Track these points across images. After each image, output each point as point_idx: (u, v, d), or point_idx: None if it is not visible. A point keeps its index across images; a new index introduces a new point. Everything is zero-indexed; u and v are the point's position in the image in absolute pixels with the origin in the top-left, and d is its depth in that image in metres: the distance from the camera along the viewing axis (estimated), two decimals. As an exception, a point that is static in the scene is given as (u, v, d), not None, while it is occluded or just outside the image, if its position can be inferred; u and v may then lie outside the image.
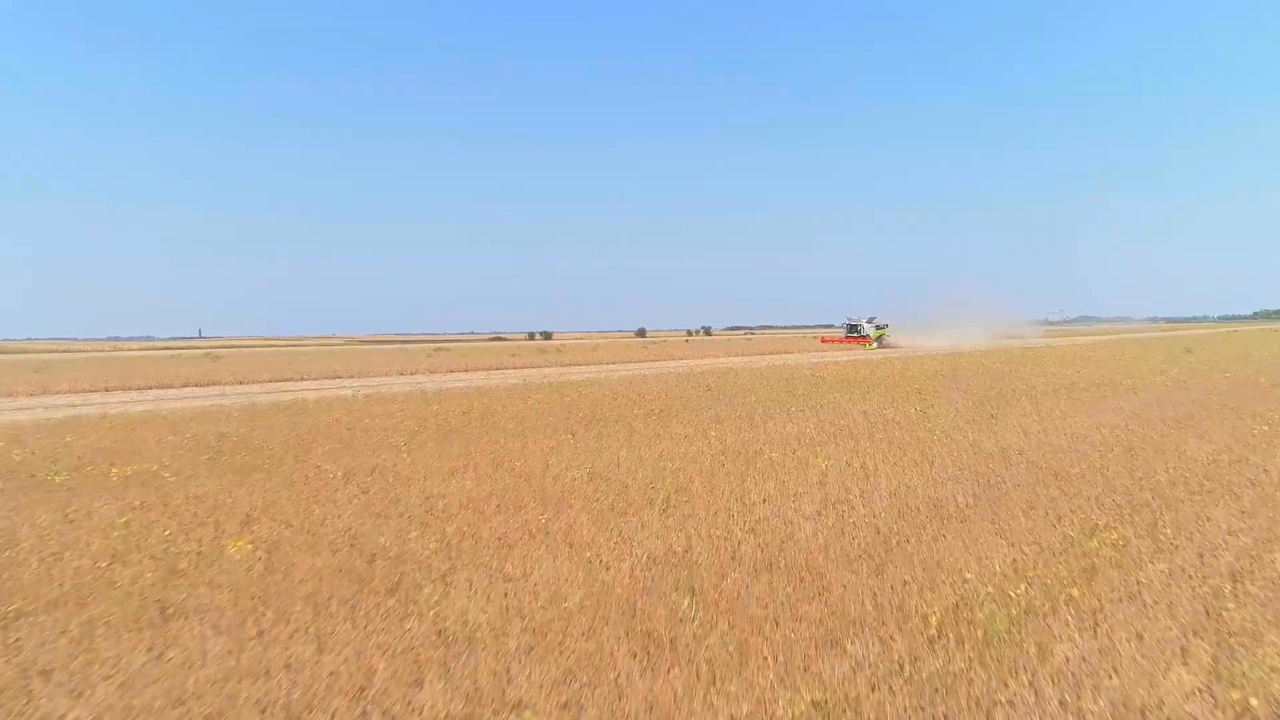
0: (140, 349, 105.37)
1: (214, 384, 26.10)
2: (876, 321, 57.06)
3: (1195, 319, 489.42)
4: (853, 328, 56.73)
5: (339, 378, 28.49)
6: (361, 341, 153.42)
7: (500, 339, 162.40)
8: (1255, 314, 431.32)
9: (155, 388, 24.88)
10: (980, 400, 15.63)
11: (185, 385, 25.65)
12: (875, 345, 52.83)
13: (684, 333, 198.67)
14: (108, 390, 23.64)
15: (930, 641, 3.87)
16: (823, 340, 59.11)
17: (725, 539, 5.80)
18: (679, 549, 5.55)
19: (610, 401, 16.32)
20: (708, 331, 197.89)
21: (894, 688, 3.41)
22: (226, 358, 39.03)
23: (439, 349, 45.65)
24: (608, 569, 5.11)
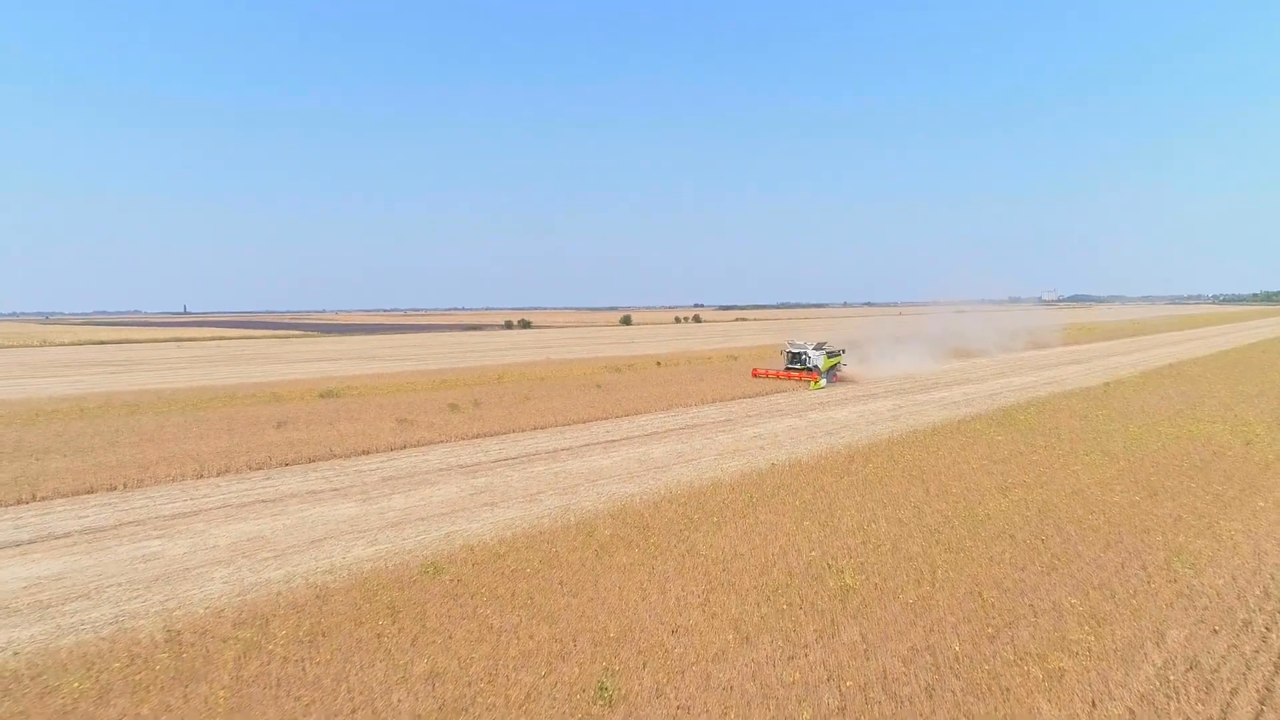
0: (76, 340, 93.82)
1: None
2: (827, 348, 42.10)
3: (1191, 298, 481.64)
4: (795, 357, 41.37)
5: (89, 494, 18.41)
6: (326, 328, 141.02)
7: (476, 328, 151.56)
8: (1254, 295, 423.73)
9: None
10: None
11: None
12: (824, 382, 38.88)
13: (673, 318, 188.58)
14: None
15: None
16: (754, 373, 43.07)
17: None
18: None
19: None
20: (698, 318, 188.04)
21: None
22: None
23: (327, 395, 35.29)
24: None
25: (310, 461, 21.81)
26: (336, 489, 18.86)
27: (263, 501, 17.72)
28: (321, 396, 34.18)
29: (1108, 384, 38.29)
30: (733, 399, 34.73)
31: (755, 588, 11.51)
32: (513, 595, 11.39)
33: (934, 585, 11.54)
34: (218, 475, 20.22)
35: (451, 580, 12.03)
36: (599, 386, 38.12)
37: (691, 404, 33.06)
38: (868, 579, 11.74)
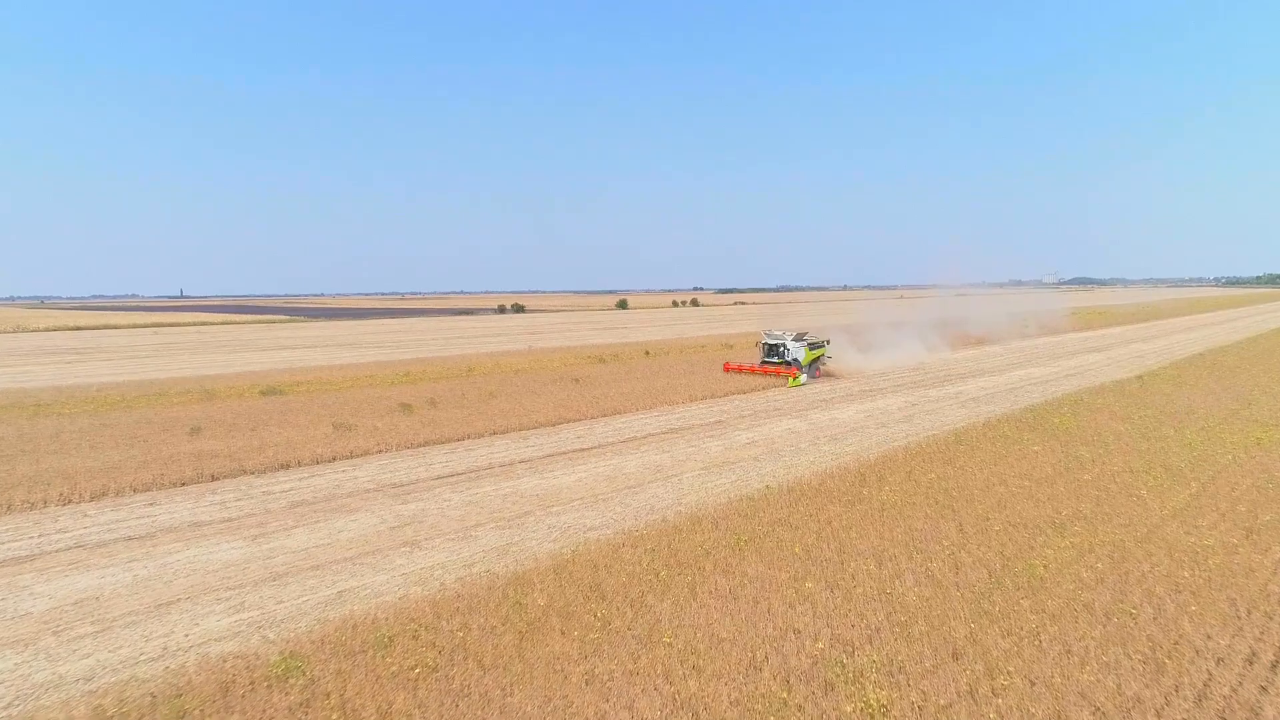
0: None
1: None
2: (809, 339, 36.74)
3: (1193, 281, 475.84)
4: (773, 349, 36.22)
5: (-86, 528, 14.73)
6: (315, 313, 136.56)
7: (468, 313, 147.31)
8: (1258, 278, 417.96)
9: None
10: None
11: None
12: (804, 378, 33.86)
13: (671, 302, 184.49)
14: None
15: None
16: (726, 368, 37.63)
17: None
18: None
19: None
20: (695, 302, 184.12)
21: None
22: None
23: (269, 392, 31.56)
24: None
25: (213, 480, 18.17)
26: (229, 519, 15.25)
27: (127, 539, 14.12)
28: (262, 394, 30.46)
29: (1140, 377, 34.65)
30: (725, 395, 31.11)
31: (737, 706, 7.93)
32: (383, 720, 7.81)
33: (995, 703, 7.95)
34: (90, 500, 16.59)
35: (303, 689, 8.43)
36: (577, 381, 34.43)
37: (679, 401, 29.43)
38: (901, 692, 8.14)
